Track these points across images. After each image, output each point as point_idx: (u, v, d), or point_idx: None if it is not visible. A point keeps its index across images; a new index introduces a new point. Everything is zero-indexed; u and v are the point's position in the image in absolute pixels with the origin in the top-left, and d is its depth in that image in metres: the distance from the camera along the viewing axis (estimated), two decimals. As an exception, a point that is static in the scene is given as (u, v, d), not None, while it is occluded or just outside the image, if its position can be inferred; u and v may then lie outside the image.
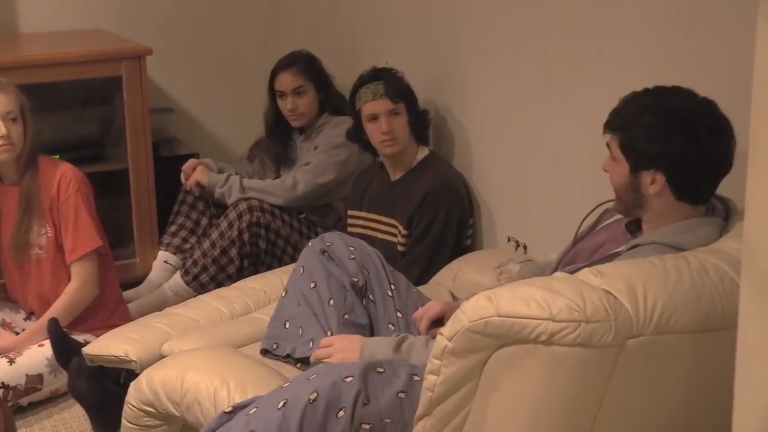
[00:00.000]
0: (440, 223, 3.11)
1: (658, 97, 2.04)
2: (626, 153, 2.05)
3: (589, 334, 1.62)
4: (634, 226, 2.19)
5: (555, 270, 2.25)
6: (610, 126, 2.09)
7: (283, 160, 3.74)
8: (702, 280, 1.74)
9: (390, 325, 2.46)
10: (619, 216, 2.25)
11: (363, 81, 3.20)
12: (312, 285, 2.48)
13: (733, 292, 1.72)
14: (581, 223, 2.32)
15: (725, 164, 2.03)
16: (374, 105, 3.15)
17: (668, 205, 2.05)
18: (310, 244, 2.59)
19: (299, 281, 2.52)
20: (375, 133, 3.17)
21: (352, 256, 2.52)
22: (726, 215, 2.10)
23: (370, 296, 2.49)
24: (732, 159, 2.02)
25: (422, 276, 3.06)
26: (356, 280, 2.48)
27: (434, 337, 1.90)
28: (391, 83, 3.16)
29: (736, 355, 1.18)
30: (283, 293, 2.59)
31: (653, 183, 2.03)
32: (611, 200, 2.21)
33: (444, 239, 3.12)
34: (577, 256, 2.25)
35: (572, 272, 1.82)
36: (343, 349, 2.25)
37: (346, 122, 3.54)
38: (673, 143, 1.98)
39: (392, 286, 2.52)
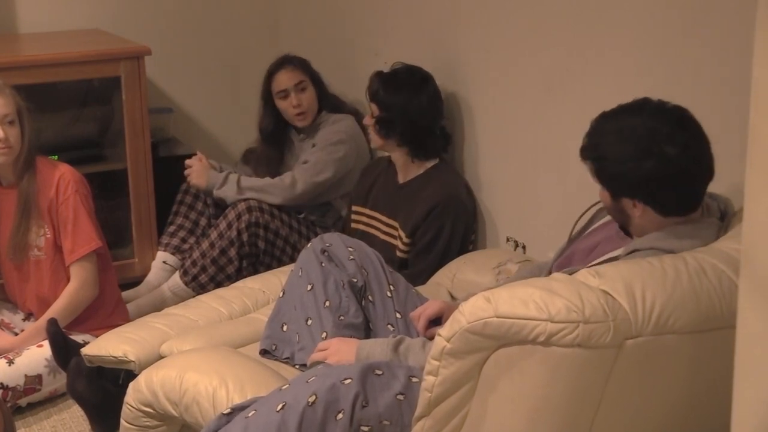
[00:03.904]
0: (446, 237, 3.08)
1: (620, 120, 2.00)
2: (602, 181, 2.05)
3: (588, 334, 1.62)
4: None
5: (550, 270, 2.24)
6: (583, 153, 2.06)
7: (279, 167, 3.71)
8: (700, 280, 1.74)
9: (389, 326, 2.46)
10: None
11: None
12: (309, 287, 2.48)
13: (731, 292, 1.72)
14: (575, 223, 2.32)
15: (704, 172, 1.99)
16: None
17: (657, 222, 2.03)
18: (309, 244, 2.58)
19: (297, 283, 2.52)
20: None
21: (351, 257, 2.52)
22: (721, 215, 2.09)
23: (369, 297, 2.49)
24: (711, 164, 1.99)
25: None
26: (355, 280, 2.48)
27: (432, 337, 1.90)
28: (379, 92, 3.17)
29: (734, 354, 1.18)
30: (281, 294, 2.59)
31: (635, 207, 2.02)
32: None
33: (449, 252, 3.10)
34: (573, 257, 2.25)
35: (570, 273, 1.82)
36: (339, 352, 2.24)
37: (345, 119, 3.53)
38: (640, 169, 1.95)
39: (391, 287, 2.52)
